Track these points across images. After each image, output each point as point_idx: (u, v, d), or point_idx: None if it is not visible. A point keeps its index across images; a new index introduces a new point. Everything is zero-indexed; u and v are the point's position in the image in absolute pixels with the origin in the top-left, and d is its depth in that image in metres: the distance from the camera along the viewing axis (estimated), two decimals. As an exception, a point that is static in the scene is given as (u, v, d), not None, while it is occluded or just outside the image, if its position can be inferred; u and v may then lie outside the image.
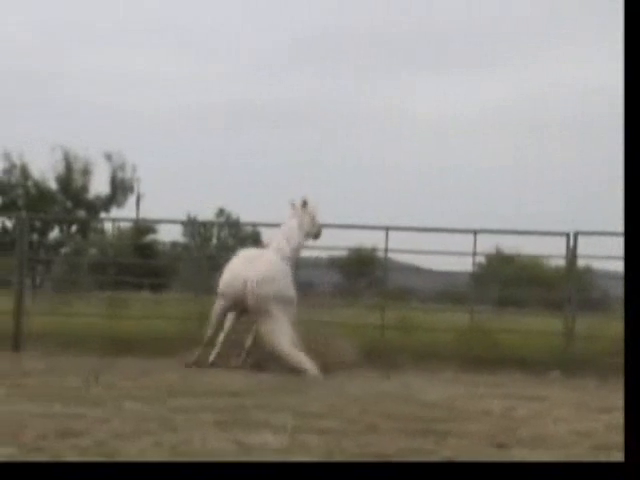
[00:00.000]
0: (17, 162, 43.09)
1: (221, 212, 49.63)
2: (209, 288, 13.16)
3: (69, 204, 43.19)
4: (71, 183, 43.27)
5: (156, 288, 24.56)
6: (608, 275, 19.06)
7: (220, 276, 11.49)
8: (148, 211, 44.36)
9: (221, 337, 11.27)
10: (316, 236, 11.96)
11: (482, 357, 11.84)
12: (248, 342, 11.29)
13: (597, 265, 18.28)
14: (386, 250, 13.16)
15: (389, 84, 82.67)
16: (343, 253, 31.72)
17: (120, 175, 44.20)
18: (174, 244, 30.78)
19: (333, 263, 31.54)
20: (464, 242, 12.80)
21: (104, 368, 9.89)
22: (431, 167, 78.08)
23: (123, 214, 44.25)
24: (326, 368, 10.71)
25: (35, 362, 10.66)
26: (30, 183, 43.12)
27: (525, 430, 6.49)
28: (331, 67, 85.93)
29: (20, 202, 42.25)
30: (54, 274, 27.02)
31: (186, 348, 11.26)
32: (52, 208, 41.90)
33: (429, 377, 10.35)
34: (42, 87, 73.98)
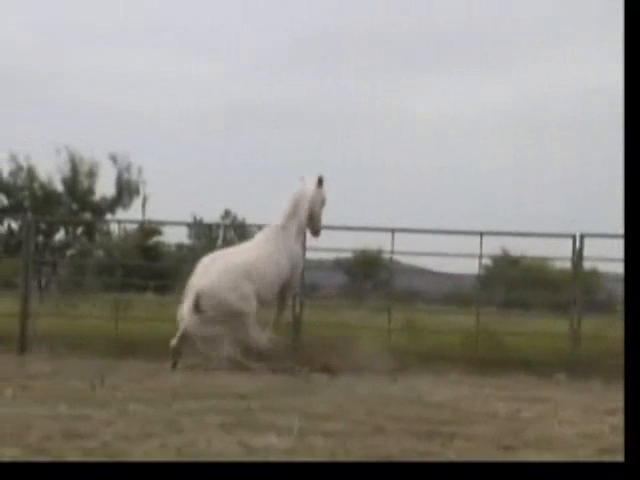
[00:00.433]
0: (24, 164, 43.17)
1: (227, 214, 49.68)
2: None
3: (75, 206, 43.23)
4: (77, 185, 43.30)
5: (161, 290, 24.56)
6: (614, 277, 19.03)
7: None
8: (154, 213, 44.39)
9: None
10: (316, 231, 11.88)
11: (488, 359, 11.83)
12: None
13: (603, 267, 18.25)
14: (392, 252, 13.15)
15: (389, 84, 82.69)
16: (348, 255, 31.72)
17: (126, 177, 44.24)
18: (180, 246, 30.81)
19: (338, 265, 31.54)
20: (470, 244, 12.79)
21: (110, 370, 9.90)
22: (432, 168, 77.96)
23: (129, 216, 44.29)
24: (332, 370, 10.72)
25: (41, 364, 10.66)
26: (36, 185, 43.17)
27: (531, 432, 6.48)
28: (331, 67, 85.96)
29: (26, 204, 42.32)
30: (60, 276, 27.03)
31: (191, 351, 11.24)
32: (58, 210, 41.94)
33: (435, 379, 10.35)
34: (46, 88, 74.12)
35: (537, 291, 29.06)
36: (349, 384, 9.52)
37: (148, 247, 36.26)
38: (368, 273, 34.60)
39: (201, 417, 6.68)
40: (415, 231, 13.29)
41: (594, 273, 24.83)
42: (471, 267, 13.49)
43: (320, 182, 11.70)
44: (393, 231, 12.77)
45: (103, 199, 44.01)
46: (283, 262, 11.47)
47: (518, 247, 28.04)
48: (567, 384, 10.70)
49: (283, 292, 11.71)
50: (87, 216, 43.05)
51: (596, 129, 76.83)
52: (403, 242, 13.06)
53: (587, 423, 7.06)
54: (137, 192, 44.76)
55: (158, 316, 14.11)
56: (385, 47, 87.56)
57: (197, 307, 10.89)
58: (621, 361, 10.51)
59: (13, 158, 43.10)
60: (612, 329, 12.47)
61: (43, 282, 29.58)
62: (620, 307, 20.02)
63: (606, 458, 5.64)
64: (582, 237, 12.23)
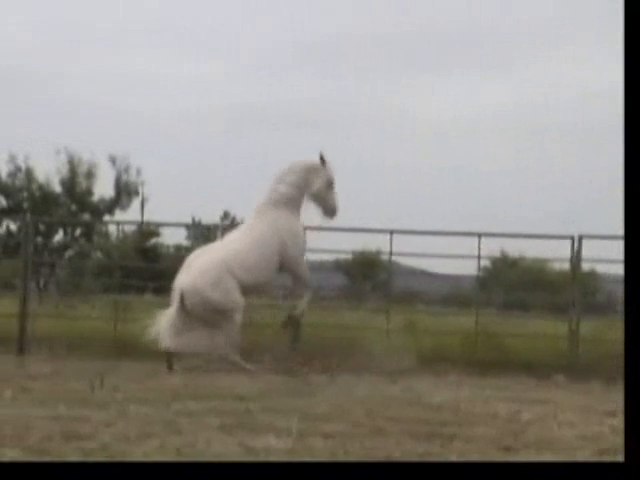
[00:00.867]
0: (22, 165, 43.14)
1: (226, 215, 49.66)
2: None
3: (74, 207, 43.19)
4: (75, 186, 43.25)
5: (160, 291, 24.55)
6: (612, 278, 19.06)
7: None
8: (152, 214, 44.35)
9: None
10: (327, 212, 11.47)
11: (487, 360, 11.83)
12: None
13: (601, 268, 18.28)
14: (390, 253, 13.15)
15: (390, 86, 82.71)
16: (348, 256, 31.72)
17: (124, 178, 44.20)
18: (178, 247, 30.78)
19: (338, 266, 31.56)
20: (469, 245, 12.80)
21: (109, 371, 9.89)
22: (431, 169, 78.07)
23: (127, 217, 44.24)
24: (331, 371, 10.72)
25: (40, 365, 10.66)
26: (35, 186, 43.13)
27: (531, 433, 6.49)
28: (331, 69, 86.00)
29: (25, 205, 42.29)
30: (59, 277, 27.04)
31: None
32: (56, 211, 41.91)
33: (435, 380, 10.35)
34: (45, 88, 74.11)
35: (536, 292, 29.09)
36: (348, 385, 9.52)
37: (147, 248, 36.27)
38: (367, 274, 34.62)
39: (200, 418, 6.68)
40: (414, 232, 13.29)
41: (593, 275, 24.87)
42: (470, 268, 13.52)
43: (321, 160, 11.30)
44: (392, 232, 12.78)
45: (102, 200, 43.95)
46: (275, 240, 11.15)
47: (517, 248, 28.07)
48: (566, 385, 10.71)
49: (289, 272, 11.47)
50: (86, 217, 43.01)
51: (596, 130, 76.94)
52: (402, 243, 13.07)
53: (586, 424, 7.07)
54: (136, 193, 44.71)
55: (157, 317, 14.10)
56: (385, 48, 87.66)
57: (183, 306, 10.86)
58: (620, 362, 10.54)
59: (12, 159, 43.05)
60: (611, 330, 12.47)
61: (42, 283, 29.57)
62: (619, 308, 20.05)
63: (605, 459, 5.64)
64: (580, 239, 12.23)
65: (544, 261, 28.16)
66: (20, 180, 43.30)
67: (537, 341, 12.52)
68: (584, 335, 12.21)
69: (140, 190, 44.90)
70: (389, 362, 11.53)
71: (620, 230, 10.24)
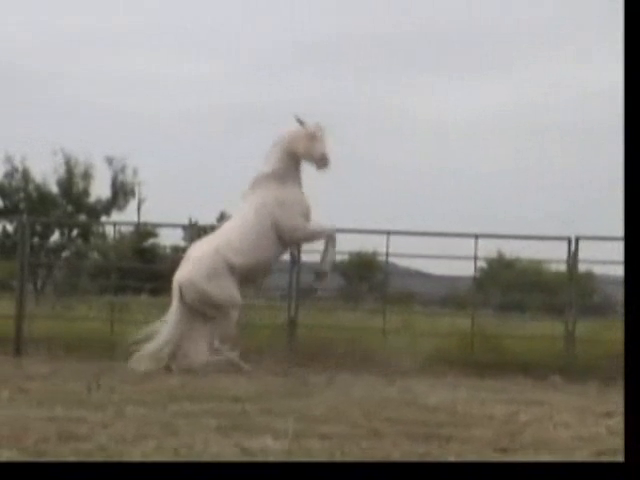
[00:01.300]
0: (19, 166, 43.11)
1: (222, 216, 49.64)
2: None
3: (70, 208, 43.16)
4: (72, 187, 43.23)
5: (157, 292, 24.52)
6: (609, 280, 19.05)
7: None
8: (149, 215, 44.34)
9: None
10: (321, 162, 11.08)
11: (484, 362, 11.84)
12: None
13: (598, 270, 18.26)
14: (387, 254, 13.16)
15: (389, 86, 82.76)
16: (344, 257, 31.67)
17: (121, 179, 44.17)
18: (175, 248, 30.75)
19: (334, 267, 31.51)
20: (466, 246, 12.81)
21: (106, 372, 9.90)
22: (430, 170, 78.11)
23: (124, 218, 44.22)
24: (328, 372, 10.72)
25: (37, 366, 10.65)
26: (31, 187, 43.11)
27: (528, 435, 6.49)
28: (331, 69, 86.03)
29: (21, 206, 42.26)
30: (55, 278, 27.01)
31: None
32: (53, 212, 41.88)
33: (431, 381, 10.34)
34: (42, 89, 74.07)
35: (533, 294, 29.07)
36: (345, 386, 9.53)
37: (144, 249, 36.26)
38: (364, 275, 34.59)
39: (197, 419, 6.68)
40: (410, 233, 13.29)
41: (589, 276, 24.85)
42: (467, 269, 13.51)
43: (298, 121, 11.11)
44: (388, 233, 12.79)
45: (98, 201, 43.93)
46: (265, 216, 11.02)
47: (515, 250, 28.08)
48: (563, 387, 10.71)
49: (295, 240, 11.34)
50: (82, 218, 42.98)
51: (595, 131, 77.03)
52: (399, 244, 13.08)
53: (583, 425, 7.08)
54: (132, 194, 44.70)
55: (156, 318, 14.10)
56: (385, 48, 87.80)
57: (181, 299, 10.86)
58: (617, 363, 10.57)
59: (8, 159, 43.04)
60: (608, 331, 12.49)
61: (39, 284, 29.56)
62: (615, 309, 20.06)
63: (602, 460, 5.65)
64: (577, 240, 12.24)
65: (541, 262, 28.16)
66: (17, 181, 43.27)
67: (534, 342, 12.53)
68: (581, 336, 12.22)
69: (137, 191, 44.89)
70: (386, 363, 11.54)
71: (618, 231, 10.27)
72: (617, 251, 11.35)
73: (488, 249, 26.48)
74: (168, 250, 34.98)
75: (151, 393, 8.28)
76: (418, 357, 11.72)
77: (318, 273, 11.32)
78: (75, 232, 41.99)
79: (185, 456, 5.35)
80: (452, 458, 5.51)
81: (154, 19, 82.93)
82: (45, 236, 39.82)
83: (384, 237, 12.81)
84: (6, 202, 42.98)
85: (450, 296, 26.75)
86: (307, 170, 11.38)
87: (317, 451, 5.61)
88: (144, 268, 26.77)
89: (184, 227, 29.67)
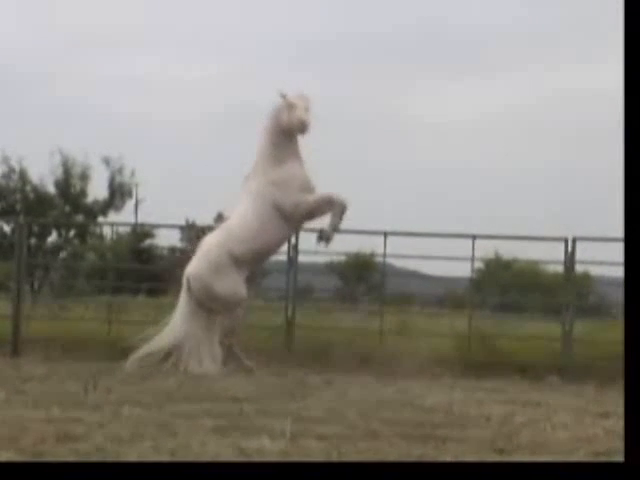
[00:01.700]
0: (16, 166, 43.07)
1: (220, 217, 49.62)
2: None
3: (67, 209, 43.14)
4: (69, 188, 43.20)
5: (154, 293, 24.52)
6: (606, 280, 19.06)
7: None
8: (146, 216, 44.32)
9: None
10: (297, 127, 10.74)
11: (481, 362, 11.85)
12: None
13: (595, 271, 18.28)
14: (384, 255, 13.17)
15: (389, 86, 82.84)
16: (341, 258, 31.68)
17: (118, 179, 44.14)
18: (172, 249, 30.78)
19: (332, 268, 31.53)
20: (463, 247, 12.81)
21: (103, 373, 9.89)
22: (430, 170, 78.17)
23: (121, 219, 44.17)
24: (325, 373, 10.72)
25: (34, 367, 10.65)
26: (29, 187, 43.07)
27: (525, 435, 6.49)
28: (332, 70, 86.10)
29: (19, 206, 42.23)
30: (52, 278, 26.98)
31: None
32: (50, 213, 41.85)
33: (428, 382, 10.35)
34: (40, 89, 74.10)
35: (530, 294, 29.10)
36: (342, 387, 9.52)
37: (141, 250, 36.24)
38: (361, 276, 34.62)
39: (195, 420, 6.67)
40: (408, 234, 13.29)
41: (586, 277, 24.88)
42: (464, 270, 13.51)
43: (281, 96, 10.87)
44: (385, 234, 12.79)
45: (96, 202, 43.90)
46: (264, 198, 10.85)
47: (512, 250, 28.10)
48: (560, 387, 10.72)
49: (298, 217, 11.03)
50: (80, 219, 42.96)
51: (595, 132, 77.10)
52: (396, 245, 13.08)
53: (580, 426, 7.07)
54: (130, 195, 44.69)
55: (153, 319, 14.10)
56: (385, 48, 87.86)
57: (189, 293, 10.87)
58: (614, 364, 10.59)
59: (5, 160, 43.00)
60: (605, 332, 12.50)
61: (36, 285, 29.52)
62: (612, 310, 20.07)
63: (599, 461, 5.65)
64: (574, 241, 12.25)
65: (538, 263, 28.16)
66: (14, 181, 43.24)
67: (531, 343, 12.53)
68: (578, 337, 12.23)
69: (134, 191, 44.89)
70: (383, 364, 11.54)
71: (616, 232, 10.29)
72: (615, 252, 11.38)
73: (486, 250, 26.51)
74: (165, 251, 34.98)
75: (148, 394, 8.27)
76: (415, 358, 11.71)
77: (321, 235, 10.98)
78: (72, 233, 41.96)
79: (182, 456, 5.35)
80: (449, 459, 5.51)
81: (153, 20, 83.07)
82: (42, 237, 39.79)
83: (381, 238, 12.81)
84: (3, 203, 42.94)
85: (448, 297, 26.77)
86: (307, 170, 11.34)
87: (314, 452, 5.61)
88: (141, 269, 26.77)
89: (181, 228, 29.67)
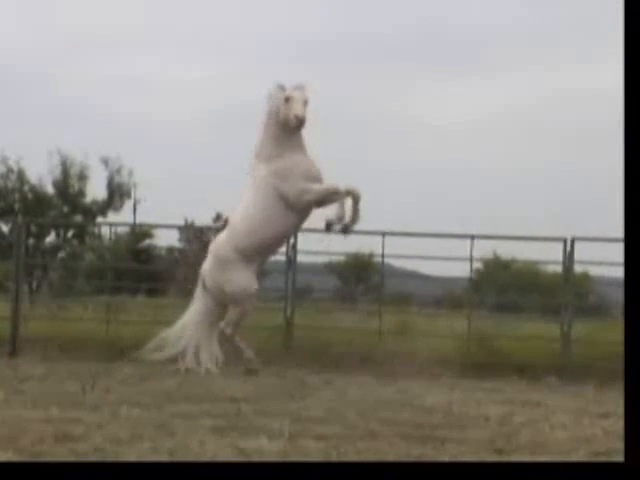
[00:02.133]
0: (14, 166, 43.05)
1: (218, 217, 49.59)
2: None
3: (66, 209, 43.12)
4: (68, 188, 43.18)
5: (153, 293, 24.51)
6: (605, 281, 19.07)
7: None
8: (145, 216, 44.30)
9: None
10: (293, 121, 10.44)
11: (480, 363, 11.84)
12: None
13: (594, 271, 18.29)
14: (383, 255, 13.16)
15: (389, 86, 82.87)
16: (340, 258, 31.66)
17: (117, 179, 44.13)
18: (171, 249, 30.74)
19: (330, 268, 31.52)
20: (462, 247, 12.80)
21: (101, 373, 9.88)
22: (429, 170, 78.17)
23: (120, 219, 44.16)
24: (325, 373, 10.71)
25: (32, 367, 10.64)
26: (27, 188, 43.05)
27: (523, 436, 6.49)
28: (332, 70, 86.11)
29: (17, 207, 42.21)
30: (51, 279, 26.98)
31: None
32: (49, 213, 41.84)
33: (427, 382, 10.34)
34: (38, 89, 74.09)
35: (529, 294, 29.08)
36: (341, 387, 9.52)
37: (139, 250, 36.23)
38: (360, 276, 34.63)
39: (193, 420, 6.67)
40: (407, 234, 13.28)
41: (585, 277, 24.88)
42: (463, 270, 13.51)
43: (279, 87, 10.60)
44: (384, 234, 12.78)
45: (94, 202, 43.87)
46: (266, 189, 10.68)
47: (511, 251, 28.11)
48: (559, 388, 10.71)
49: (303, 205, 10.74)
50: (78, 219, 42.94)
51: (594, 132, 77.17)
52: (395, 245, 13.07)
53: (579, 426, 7.07)
54: (128, 195, 44.66)
55: (151, 319, 14.10)
56: (385, 48, 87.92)
57: (204, 288, 10.94)
58: (612, 364, 10.58)
59: (4, 160, 42.99)
60: (603, 332, 12.50)
61: (34, 285, 29.52)
62: (611, 310, 20.06)
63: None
64: (573, 241, 12.24)
65: (537, 263, 28.14)
66: (12, 182, 43.22)
67: (530, 343, 12.53)
68: (577, 337, 12.22)
69: (132, 191, 44.87)
70: (382, 364, 11.53)
71: (615, 232, 10.28)
72: (613, 252, 11.37)
73: (484, 250, 26.50)
74: (164, 251, 34.95)
75: (147, 394, 8.26)
76: (414, 358, 11.71)
77: (327, 226, 10.70)
78: (71, 233, 41.94)
79: (181, 457, 5.35)
80: (448, 459, 5.51)
81: (153, 20, 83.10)
82: (41, 237, 39.76)
83: (380, 238, 12.80)
84: (1, 203, 42.92)
85: (446, 297, 26.75)
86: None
87: (313, 452, 5.60)
88: (140, 269, 26.76)
89: (180, 228, 29.65)
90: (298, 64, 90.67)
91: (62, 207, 43.15)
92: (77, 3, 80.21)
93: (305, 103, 10.54)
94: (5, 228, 38.45)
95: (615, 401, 8.19)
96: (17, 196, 43.06)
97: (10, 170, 43.13)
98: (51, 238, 41.64)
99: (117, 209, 44.26)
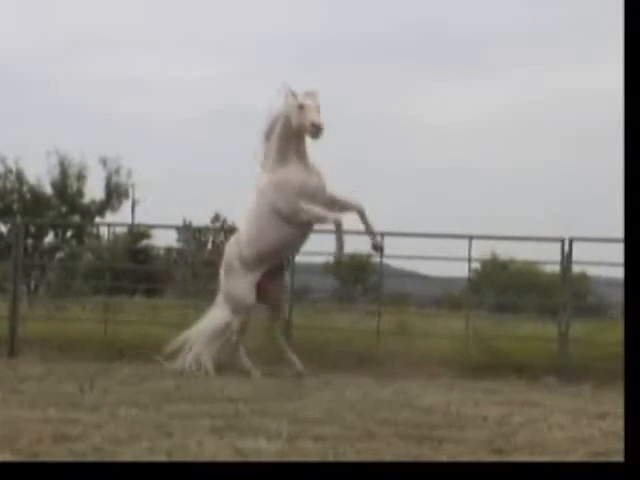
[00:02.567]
0: (13, 167, 43.08)
1: (217, 217, 49.59)
2: (205, 294, 13.15)
3: (64, 209, 43.16)
4: (66, 188, 43.23)
5: (151, 293, 24.52)
6: (603, 281, 19.08)
7: None
8: (143, 216, 44.35)
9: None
10: (311, 130, 10.21)
11: (478, 363, 11.83)
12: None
13: (593, 271, 18.31)
14: (381, 255, 13.14)
15: (388, 86, 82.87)
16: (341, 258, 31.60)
17: (115, 180, 44.17)
18: (169, 249, 30.74)
19: (328, 269, 31.54)
20: (460, 247, 12.79)
21: (99, 373, 9.88)
22: (427, 170, 78.18)
23: (118, 219, 44.24)
24: (323, 374, 10.70)
25: (30, 367, 10.63)
26: (25, 188, 43.10)
27: (522, 436, 6.49)
28: (332, 70, 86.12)
29: (15, 207, 42.25)
30: (49, 279, 26.98)
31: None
32: (47, 213, 41.87)
33: (426, 383, 10.34)
34: (36, 90, 74.04)
35: (527, 295, 29.10)
36: (340, 388, 9.51)
37: (137, 250, 36.23)
38: (358, 277, 34.62)
39: (191, 421, 6.66)
40: (405, 234, 13.27)
41: (583, 277, 24.92)
42: (461, 271, 13.51)
43: (291, 94, 10.41)
44: (383, 235, 12.77)
45: (92, 202, 43.94)
46: (264, 200, 10.60)
47: (509, 251, 28.16)
48: (557, 388, 10.70)
49: (300, 221, 10.59)
50: (76, 219, 42.97)
51: (594, 132, 77.22)
52: (393, 245, 13.06)
53: (578, 427, 7.07)
54: (127, 195, 44.72)
55: (149, 319, 14.10)
56: (385, 49, 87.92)
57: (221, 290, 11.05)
58: (611, 365, 10.58)
59: (2, 160, 43.03)
60: (602, 333, 12.49)
61: (32, 285, 29.53)
62: (610, 310, 20.08)
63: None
64: (571, 241, 12.24)
65: (535, 263, 28.17)
66: (11, 182, 43.26)
67: (528, 343, 12.52)
68: (575, 337, 12.22)
69: (131, 192, 44.91)
70: (381, 365, 11.53)
71: (614, 232, 10.28)
72: (612, 252, 11.37)
73: (483, 250, 26.52)
74: (162, 251, 34.95)
75: (145, 394, 8.26)
76: (413, 358, 11.71)
77: (337, 258, 11.01)
78: (69, 233, 41.99)
79: (179, 457, 5.35)
80: (446, 460, 5.50)
81: (153, 20, 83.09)
82: (39, 237, 39.81)
83: (378, 238, 12.77)
84: (0, 203, 42.94)
85: (445, 297, 26.77)
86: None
87: (311, 452, 5.60)
88: (138, 269, 26.76)
89: (178, 228, 29.63)
90: (298, 64, 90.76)
91: (60, 207, 43.20)
92: (77, 3, 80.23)
93: (319, 110, 10.33)
94: (3, 228, 38.52)
95: (613, 401, 8.19)
96: (16, 196, 43.09)
97: (9, 170, 43.19)
98: (49, 238, 41.72)
99: (115, 209, 44.35)
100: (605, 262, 12.46)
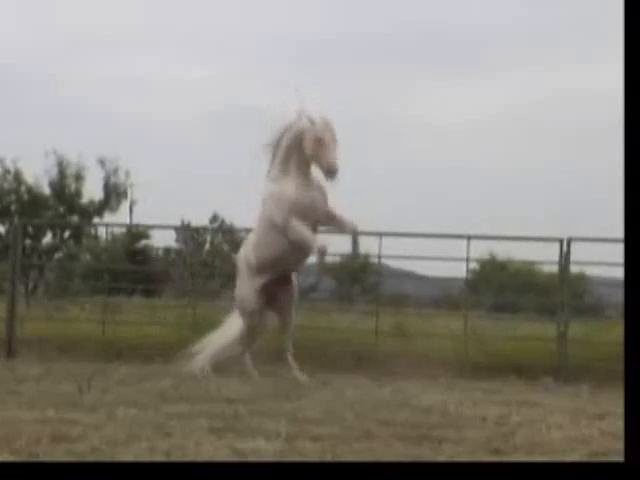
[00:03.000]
0: (11, 167, 43.05)
1: (215, 218, 49.61)
2: (203, 294, 13.16)
3: (62, 209, 43.13)
4: (64, 188, 43.20)
5: (149, 294, 24.52)
6: (602, 281, 19.08)
7: None
8: (141, 216, 44.31)
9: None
10: (328, 171, 9.95)
11: (477, 363, 11.84)
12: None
13: (591, 271, 18.29)
14: (379, 256, 13.15)
15: (388, 87, 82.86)
16: (336, 259, 31.62)
17: (113, 180, 44.14)
18: (167, 250, 30.77)
19: (326, 269, 31.51)
20: (459, 247, 12.80)
21: (98, 373, 9.87)
22: (426, 171, 78.18)
23: (116, 219, 44.21)
24: (321, 374, 10.70)
25: (29, 368, 10.63)
26: (23, 188, 43.06)
27: (520, 436, 6.49)
28: (332, 70, 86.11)
29: (13, 207, 42.21)
30: (47, 279, 26.98)
31: (181, 354, 11.22)
32: (45, 213, 41.84)
33: (424, 383, 10.34)
34: (35, 90, 74.02)
35: (525, 295, 29.12)
36: (338, 388, 9.51)
37: (136, 251, 36.25)
38: (356, 277, 34.62)
39: (190, 421, 6.66)
40: (403, 235, 13.28)
41: (582, 277, 24.90)
42: (459, 271, 13.51)
43: (309, 120, 10.13)
44: (381, 235, 12.77)
45: (91, 202, 43.90)
46: (264, 212, 10.46)
47: (508, 251, 28.18)
48: (556, 388, 10.71)
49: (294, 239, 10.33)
50: (75, 219, 42.94)
51: (594, 132, 77.25)
52: (391, 246, 13.07)
53: (576, 427, 7.07)
54: (125, 195, 44.68)
55: (148, 320, 14.11)
56: (385, 49, 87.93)
57: None
58: (609, 365, 10.59)
59: (1, 161, 42.99)
60: (600, 333, 12.51)
61: (31, 286, 29.50)
62: (608, 311, 20.09)
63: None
64: (569, 241, 12.24)
65: (533, 263, 28.16)
66: (9, 182, 43.22)
67: (526, 343, 12.53)
68: (573, 337, 12.23)
69: (129, 192, 44.88)
70: (379, 365, 11.53)
71: (613, 232, 10.28)
72: (610, 252, 11.38)
73: (481, 250, 26.54)
74: (160, 252, 34.96)
75: (144, 394, 8.25)
76: (411, 358, 11.71)
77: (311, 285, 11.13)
78: (67, 234, 41.95)
79: (177, 457, 5.34)
80: (445, 460, 5.50)
81: (153, 20, 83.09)
82: (37, 238, 39.78)
83: (377, 239, 12.79)
84: (-2, 204, 42.91)
85: (443, 297, 26.79)
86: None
87: (310, 452, 5.60)
88: (136, 269, 26.77)
89: (176, 229, 29.58)
90: (298, 64, 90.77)
91: (58, 208, 43.17)
92: (77, 3, 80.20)
93: (336, 147, 10.04)
94: (1, 229, 38.45)
95: (612, 401, 8.20)
96: (13, 197, 43.06)
97: (7, 171, 43.15)
98: (48, 239, 41.67)
99: (113, 210, 44.30)
100: (604, 262, 12.47)
